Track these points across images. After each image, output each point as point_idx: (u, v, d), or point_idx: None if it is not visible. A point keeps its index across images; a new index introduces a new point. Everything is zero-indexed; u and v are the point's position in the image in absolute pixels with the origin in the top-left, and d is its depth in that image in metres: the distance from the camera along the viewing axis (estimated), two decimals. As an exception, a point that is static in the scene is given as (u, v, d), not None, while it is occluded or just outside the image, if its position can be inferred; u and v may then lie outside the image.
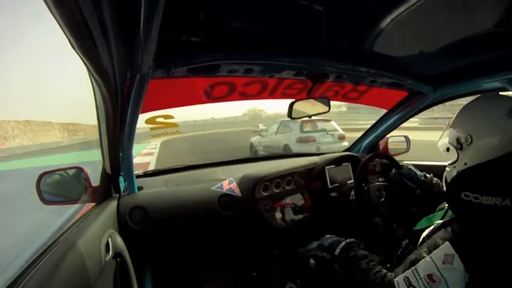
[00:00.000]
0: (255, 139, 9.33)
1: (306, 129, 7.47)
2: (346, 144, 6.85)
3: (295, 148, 7.08)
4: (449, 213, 0.81)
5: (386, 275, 0.81)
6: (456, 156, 0.87)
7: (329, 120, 7.90)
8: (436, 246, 0.71)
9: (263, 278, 1.52)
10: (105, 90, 0.68)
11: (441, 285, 0.68)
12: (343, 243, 1.02)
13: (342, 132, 7.66)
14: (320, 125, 7.65)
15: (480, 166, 0.76)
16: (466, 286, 0.66)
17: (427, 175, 1.32)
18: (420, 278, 0.71)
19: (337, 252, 1.01)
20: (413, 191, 1.32)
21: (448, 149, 0.90)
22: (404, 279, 0.74)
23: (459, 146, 0.85)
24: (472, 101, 0.88)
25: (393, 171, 1.41)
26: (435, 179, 1.30)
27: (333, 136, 7.39)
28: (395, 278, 0.77)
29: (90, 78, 0.68)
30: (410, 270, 0.74)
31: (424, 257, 0.73)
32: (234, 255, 1.52)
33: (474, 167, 0.78)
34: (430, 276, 0.70)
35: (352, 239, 1.03)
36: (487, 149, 0.77)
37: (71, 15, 0.39)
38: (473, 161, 0.80)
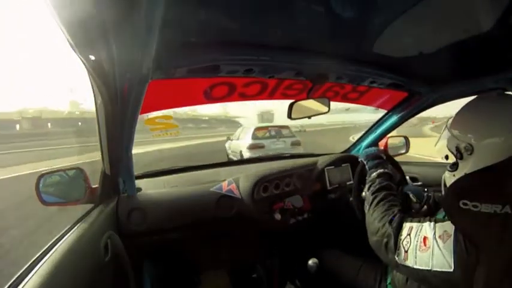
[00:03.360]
0: (227, 144, 9.16)
1: (258, 135, 7.59)
2: (301, 150, 7.23)
3: (247, 155, 7.10)
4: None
5: (400, 213, 0.85)
6: (456, 165, 0.84)
7: (286, 127, 8.04)
8: (444, 220, 0.73)
9: (262, 280, 1.52)
10: (105, 90, 0.68)
11: (428, 253, 0.70)
12: (385, 171, 1.05)
13: (297, 138, 7.84)
14: (273, 132, 7.80)
15: (479, 173, 0.74)
16: (449, 274, 0.66)
17: (429, 194, 1.31)
18: (418, 235, 0.74)
19: (375, 171, 1.06)
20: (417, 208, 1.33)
21: (447, 157, 0.87)
22: (409, 227, 0.78)
23: (459, 155, 0.82)
24: (470, 103, 0.85)
25: (399, 188, 1.40)
26: (437, 194, 1.29)
27: (285, 142, 7.54)
28: (406, 222, 0.80)
29: (89, 78, 0.68)
30: (418, 223, 0.76)
31: (433, 221, 0.75)
32: (233, 256, 1.52)
33: (472, 174, 0.76)
34: (425, 239, 0.72)
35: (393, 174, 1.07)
36: (488, 156, 0.75)
37: (71, 17, 0.39)
38: (474, 170, 0.77)
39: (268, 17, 0.81)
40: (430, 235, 0.72)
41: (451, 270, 0.66)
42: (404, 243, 0.76)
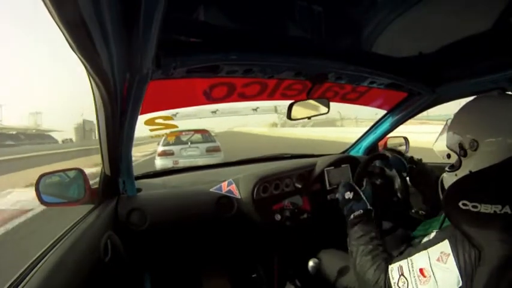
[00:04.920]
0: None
1: (169, 141, 6.97)
2: (221, 157, 6.63)
3: (158, 163, 6.55)
4: (447, 221, 0.79)
5: (383, 261, 0.81)
6: (458, 162, 0.82)
7: (204, 131, 7.42)
8: (436, 242, 0.71)
9: (262, 280, 1.51)
10: (105, 91, 0.68)
11: (431, 282, 0.67)
12: (356, 213, 0.99)
13: (215, 144, 7.09)
14: (186, 137, 7.10)
15: (478, 173, 0.74)
16: None
17: (413, 166, 1.27)
18: (413, 270, 0.71)
19: (349, 219, 1.01)
20: (403, 178, 1.30)
21: (449, 156, 0.85)
22: (398, 268, 0.74)
23: (463, 152, 0.79)
24: (471, 101, 0.84)
25: (396, 178, 1.39)
26: (422, 162, 1.25)
27: (199, 149, 6.84)
28: (390, 264, 0.77)
29: (89, 79, 0.68)
30: (405, 259, 0.74)
31: (421, 249, 0.72)
32: (233, 256, 1.52)
33: (471, 175, 0.75)
34: (421, 270, 0.69)
35: (366, 209, 1.00)
36: (492, 154, 0.73)
37: (70, 17, 0.39)
38: (479, 167, 0.75)
39: (268, 17, 0.81)
40: (425, 264, 0.69)
41: (461, 284, 0.64)
42: (400, 284, 0.72)
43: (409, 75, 1.30)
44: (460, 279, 0.64)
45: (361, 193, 1.06)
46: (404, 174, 1.27)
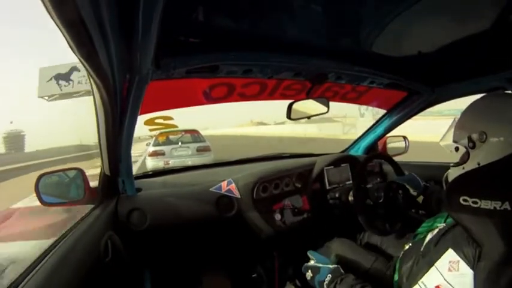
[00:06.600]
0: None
1: (159, 141, 6.93)
2: (211, 157, 6.63)
3: (149, 164, 6.60)
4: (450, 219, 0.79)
5: None
6: (466, 156, 0.82)
7: (194, 131, 7.39)
8: (439, 256, 0.71)
9: (262, 280, 1.52)
10: (104, 91, 0.68)
11: None
12: (327, 281, 0.98)
13: (205, 144, 7.06)
14: (177, 137, 7.10)
15: (478, 169, 0.75)
16: None
17: (428, 184, 1.29)
18: None
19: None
20: (414, 198, 1.31)
21: (457, 149, 0.85)
22: None
23: (471, 144, 0.79)
24: (479, 100, 0.85)
25: (395, 176, 1.40)
26: (437, 186, 1.27)
27: (189, 148, 6.83)
28: None
29: (89, 79, 0.68)
30: (417, 284, 0.73)
31: (427, 268, 0.72)
32: (233, 256, 1.52)
33: (472, 171, 0.76)
34: (438, 287, 0.69)
35: (331, 271, 1.00)
36: (499, 147, 0.74)
37: (70, 17, 0.39)
38: (487, 160, 0.75)
39: (267, 17, 0.81)
40: (440, 280, 0.69)
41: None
42: None
43: (408, 74, 1.30)
44: (472, 280, 0.64)
45: (316, 263, 1.08)
46: (415, 193, 1.29)
